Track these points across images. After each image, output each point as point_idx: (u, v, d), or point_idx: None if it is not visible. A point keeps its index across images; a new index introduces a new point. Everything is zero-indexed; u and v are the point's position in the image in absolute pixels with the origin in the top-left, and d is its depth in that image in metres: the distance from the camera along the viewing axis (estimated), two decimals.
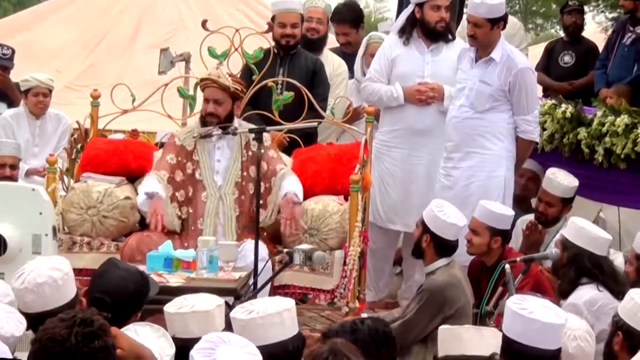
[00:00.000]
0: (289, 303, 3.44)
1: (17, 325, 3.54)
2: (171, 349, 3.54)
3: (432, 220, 5.57)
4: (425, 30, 6.74)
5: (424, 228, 5.59)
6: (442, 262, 5.54)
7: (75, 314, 3.05)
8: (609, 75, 7.83)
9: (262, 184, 5.70)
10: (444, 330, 3.48)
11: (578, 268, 5.10)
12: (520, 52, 6.63)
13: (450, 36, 6.80)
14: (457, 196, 6.30)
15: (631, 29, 7.89)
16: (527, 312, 3.32)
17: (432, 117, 6.70)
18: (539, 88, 8.65)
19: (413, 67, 6.77)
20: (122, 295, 3.96)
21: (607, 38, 8.17)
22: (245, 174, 6.05)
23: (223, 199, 6.04)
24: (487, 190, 6.27)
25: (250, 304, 3.45)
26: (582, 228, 5.15)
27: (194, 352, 2.90)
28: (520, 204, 6.96)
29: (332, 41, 7.92)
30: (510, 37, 8.56)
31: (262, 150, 5.61)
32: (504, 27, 6.40)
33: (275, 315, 3.37)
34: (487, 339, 3.41)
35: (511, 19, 8.97)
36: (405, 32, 6.80)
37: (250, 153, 6.03)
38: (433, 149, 6.65)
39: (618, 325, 3.98)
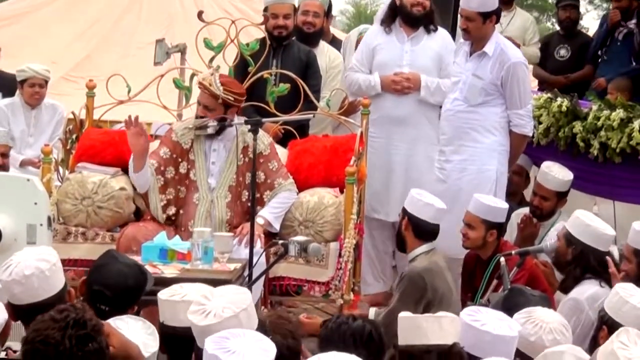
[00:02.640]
0: (245, 301, 3.31)
1: None
2: (155, 347, 3.54)
3: (410, 203, 5.64)
4: (403, 15, 6.77)
5: (404, 213, 5.65)
6: (423, 248, 5.57)
7: (68, 314, 2.99)
8: (603, 70, 7.88)
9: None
10: (403, 319, 3.46)
11: (584, 266, 5.06)
12: (514, 46, 6.65)
13: (432, 26, 6.80)
14: (450, 189, 6.34)
15: (623, 23, 7.91)
16: (480, 324, 3.32)
17: (409, 106, 6.73)
18: (535, 82, 8.68)
19: (392, 55, 6.81)
20: (122, 289, 3.97)
21: (596, 32, 8.18)
22: (240, 179, 6.00)
23: (215, 202, 6.01)
24: (479, 184, 6.29)
25: (206, 298, 3.32)
26: (587, 225, 5.08)
27: (209, 340, 2.89)
28: (512, 196, 6.98)
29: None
30: (523, 30, 8.63)
31: (258, 144, 5.60)
32: (497, 20, 6.41)
33: (232, 319, 3.23)
34: (446, 327, 3.41)
35: (524, 13, 9.06)
36: (386, 21, 6.84)
37: (247, 159, 5.96)
38: (412, 138, 6.72)
39: (603, 319, 4.01)
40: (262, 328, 3.35)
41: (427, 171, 6.69)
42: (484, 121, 6.36)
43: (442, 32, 6.84)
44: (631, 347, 3.19)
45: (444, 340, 3.37)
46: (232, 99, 5.97)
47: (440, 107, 6.77)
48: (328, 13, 7.87)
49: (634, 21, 7.89)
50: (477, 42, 6.37)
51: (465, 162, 6.39)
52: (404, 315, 3.45)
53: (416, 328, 3.39)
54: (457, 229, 5.90)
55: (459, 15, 6.49)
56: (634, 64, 7.86)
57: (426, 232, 5.59)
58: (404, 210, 5.65)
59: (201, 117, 6.00)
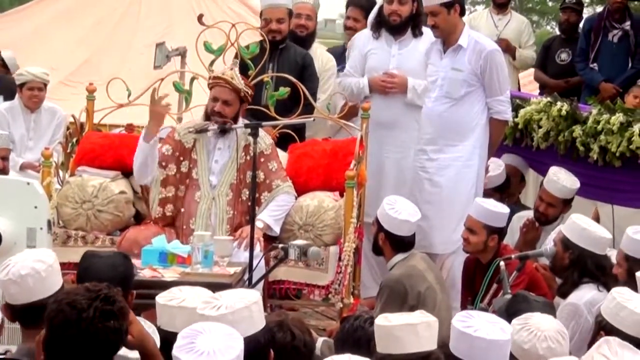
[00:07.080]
0: (256, 296, 3.34)
1: None
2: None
3: (385, 218, 5.64)
4: (384, 24, 6.86)
5: (379, 226, 5.66)
6: (399, 257, 5.62)
7: (101, 289, 3.07)
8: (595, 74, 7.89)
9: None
10: (379, 327, 3.46)
11: (581, 270, 5.06)
12: (486, 37, 6.79)
13: (417, 30, 6.84)
14: (433, 186, 6.38)
15: (617, 25, 7.90)
16: (473, 330, 3.28)
17: (397, 109, 6.79)
18: (536, 85, 8.68)
19: (380, 60, 6.88)
20: (118, 281, 3.95)
21: (583, 36, 8.16)
22: (241, 177, 6.00)
23: (216, 199, 6.00)
24: (462, 179, 6.39)
25: (215, 298, 3.33)
26: (583, 229, 5.08)
27: (176, 351, 2.88)
28: (509, 198, 7.00)
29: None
30: (519, 33, 8.70)
31: (258, 148, 5.60)
32: (462, 11, 6.45)
33: (244, 310, 3.25)
34: (422, 334, 3.41)
35: (519, 17, 9.12)
36: (374, 27, 6.91)
37: (248, 157, 5.95)
38: (402, 141, 6.77)
39: (601, 325, 3.99)
40: (282, 323, 3.36)
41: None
42: (465, 120, 6.43)
43: (430, 35, 6.87)
44: (612, 358, 3.15)
45: (421, 347, 3.38)
46: (250, 93, 6.03)
47: None
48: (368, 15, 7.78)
49: (628, 23, 7.89)
50: (448, 36, 6.43)
51: (449, 160, 6.45)
52: (379, 323, 3.46)
53: (392, 337, 3.40)
54: (442, 225, 6.11)
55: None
56: (630, 64, 7.88)
57: (404, 244, 5.64)
58: (380, 226, 5.66)
59: (217, 113, 5.96)
